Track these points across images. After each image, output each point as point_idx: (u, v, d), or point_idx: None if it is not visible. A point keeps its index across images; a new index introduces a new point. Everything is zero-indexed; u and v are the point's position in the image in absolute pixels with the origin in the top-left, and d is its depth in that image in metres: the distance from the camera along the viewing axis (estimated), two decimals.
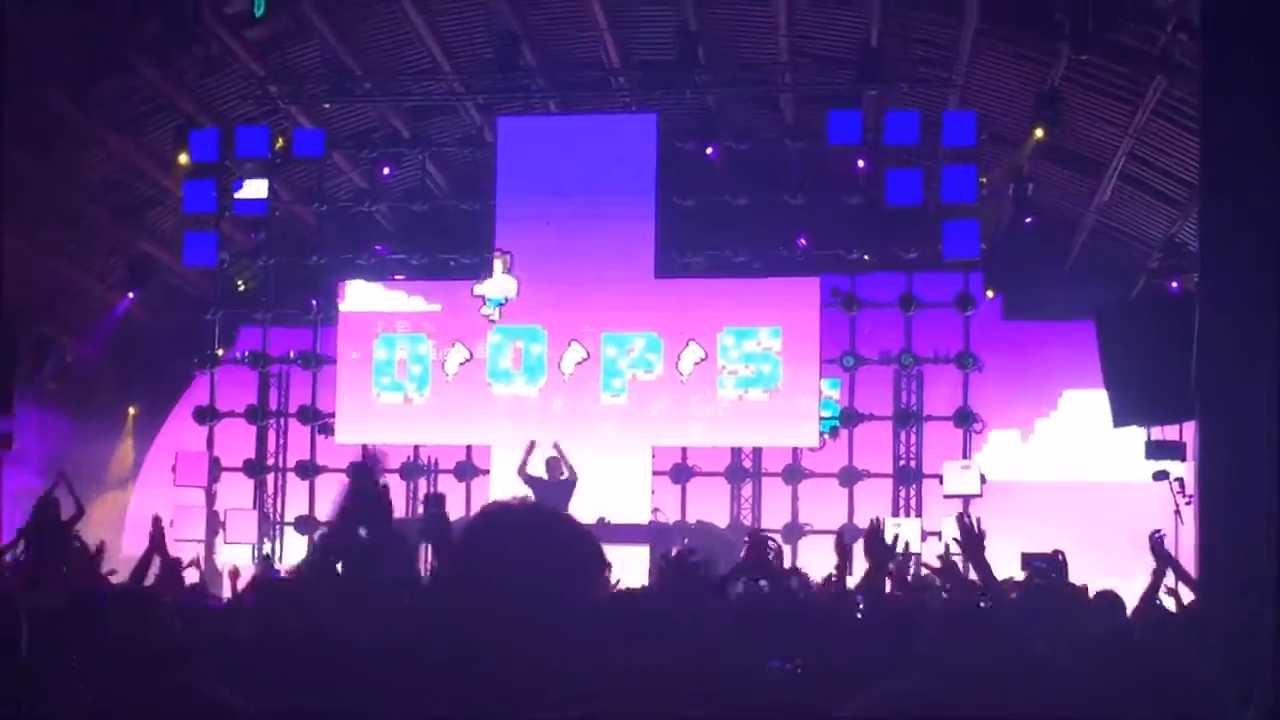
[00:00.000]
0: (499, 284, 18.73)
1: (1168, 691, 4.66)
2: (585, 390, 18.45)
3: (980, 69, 17.65)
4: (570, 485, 16.38)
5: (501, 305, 18.77)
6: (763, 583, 8.35)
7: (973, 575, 7.99)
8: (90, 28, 16.48)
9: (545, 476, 16.20)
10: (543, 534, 2.57)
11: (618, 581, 9.95)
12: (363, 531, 6.33)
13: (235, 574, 13.47)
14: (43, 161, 17.66)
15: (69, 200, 18.48)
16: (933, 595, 9.44)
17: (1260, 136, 10.30)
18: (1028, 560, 10.18)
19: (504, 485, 17.30)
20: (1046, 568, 8.93)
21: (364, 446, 13.13)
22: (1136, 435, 15.72)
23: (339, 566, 6.64)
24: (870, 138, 17.68)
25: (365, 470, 8.74)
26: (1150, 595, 8.00)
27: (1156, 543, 8.63)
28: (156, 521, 9.90)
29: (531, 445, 16.83)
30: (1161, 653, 5.30)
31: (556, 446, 16.58)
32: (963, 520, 8.43)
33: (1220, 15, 11.16)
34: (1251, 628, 5.59)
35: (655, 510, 18.01)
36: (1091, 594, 7.59)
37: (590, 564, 2.58)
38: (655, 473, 18.34)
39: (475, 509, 14.76)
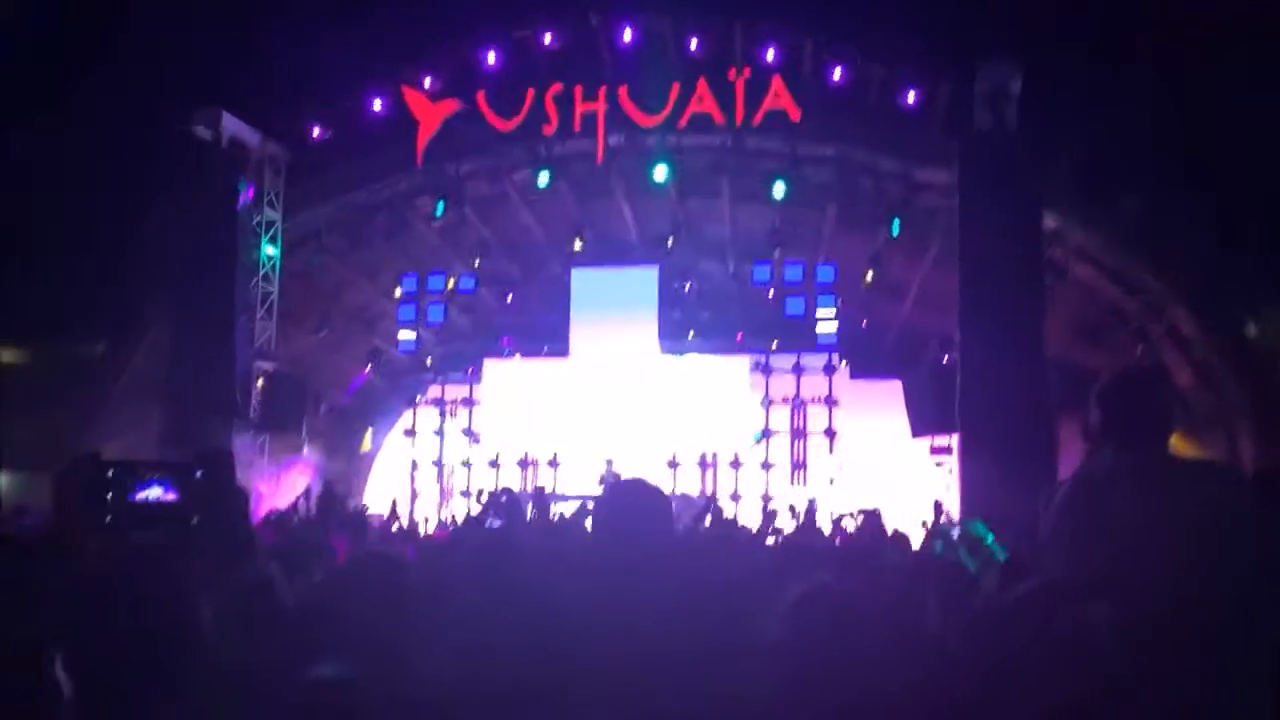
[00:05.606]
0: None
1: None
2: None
3: (837, 240, 18.87)
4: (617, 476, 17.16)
5: None
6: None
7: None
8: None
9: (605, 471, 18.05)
10: (642, 494, 2.89)
11: None
12: (496, 522, 7.02)
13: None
14: (324, 296, 19.88)
15: (335, 315, 20.20)
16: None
17: (990, 277, 14.88)
18: (861, 511, 9.89)
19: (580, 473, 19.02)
20: (873, 516, 8.98)
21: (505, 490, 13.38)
22: (924, 441, 17.69)
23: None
24: (776, 279, 19.29)
25: (496, 499, 8.91)
26: (932, 531, 9.07)
27: (936, 505, 10.63)
28: (394, 503, 12.36)
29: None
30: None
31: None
32: (809, 504, 12.14)
33: (965, 214, 14.28)
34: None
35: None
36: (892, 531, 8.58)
37: (663, 508, 2.90)
38: (658, 463, 19.77)
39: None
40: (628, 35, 16.29)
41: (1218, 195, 12.55)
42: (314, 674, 2.41)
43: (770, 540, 9.30)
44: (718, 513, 12.12)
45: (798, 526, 11.31)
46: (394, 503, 12.28)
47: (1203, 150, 12.43)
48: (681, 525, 11.56)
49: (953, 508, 13.58)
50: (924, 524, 11.47)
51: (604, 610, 2.46)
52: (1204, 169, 12.55)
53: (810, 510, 13.14)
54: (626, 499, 2.91)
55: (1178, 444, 3.08)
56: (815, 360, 20.40)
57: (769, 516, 11.94)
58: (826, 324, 19.57)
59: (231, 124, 16.18)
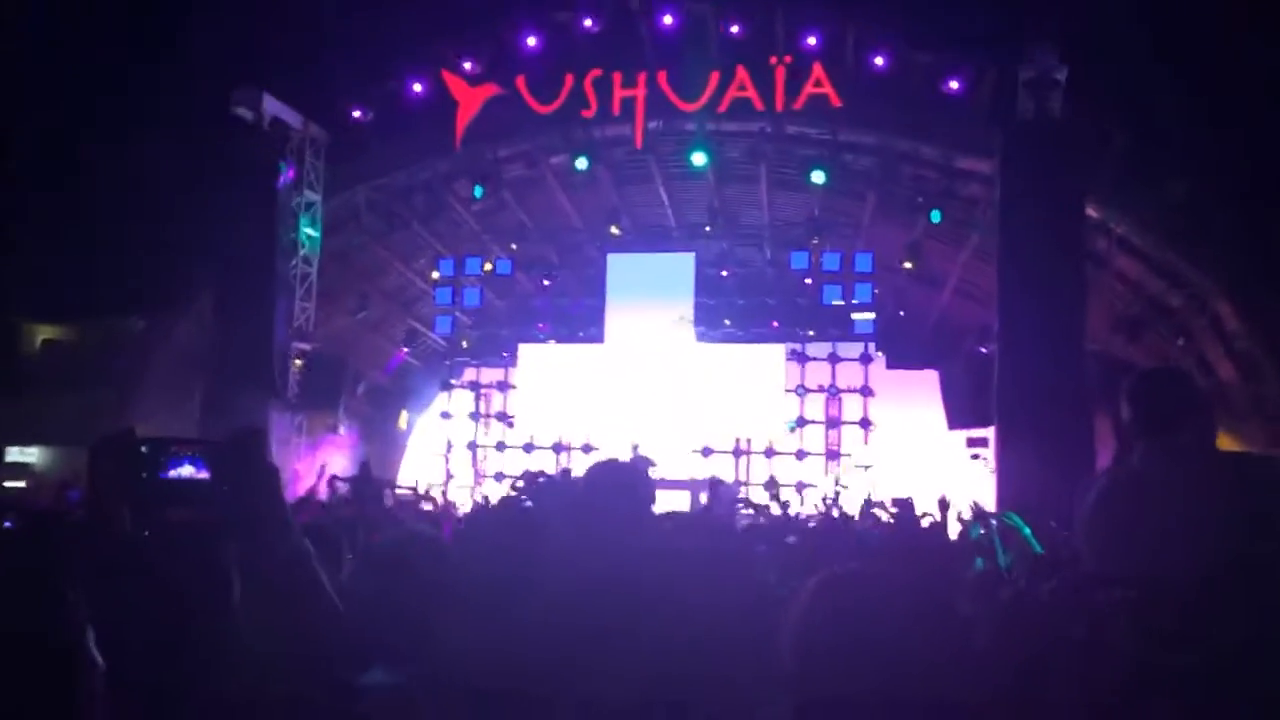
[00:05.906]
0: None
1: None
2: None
3: (875, 229, 18.75)
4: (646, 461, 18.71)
5: None
6: (749, 509, 10.28)
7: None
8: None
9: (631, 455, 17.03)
10: (625, 475, 3.00)
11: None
12: (528, 502, 6.85)
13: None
14: (362, 278, 20.00)
15: (373, 297, 20.31)
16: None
17: (1031, 268, 14.80)
18: (894, 501, 9.47)
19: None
20: (905, 505, 8.95)
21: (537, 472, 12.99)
22: (960, 434, 17.35)
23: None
24: (813, 266, 19.23)
25: (533, 480, 8.86)
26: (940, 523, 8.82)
27: (941, 501, 9.39)
28: (417, 487, 12.24)
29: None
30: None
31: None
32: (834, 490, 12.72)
33: (1006, 204, 14.25)
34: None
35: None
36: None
37: (647, 490, 2.99)
38: (692, 450, 19.38)
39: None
40: (668, 20, 16.21)
41: (1265, 187, 12.37)
42: (362, 682, 2.38)
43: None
44: (776, 497, 11.94)
45: (824, 513, 11.20)
46: (417, 483, 12.33)
47: (1250, 142, 12.24)
48: (711, 509, 12.00)
49: (989, 502, 13.17)
50: (958, 516, 11.69)
51: (588, 587, 2.50)
52: (1251, 161, 12.38)
53: (834, 498, 13.24)
54: (604, 479, 2.96)
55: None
56: (851, 350, 19.98)
57: (784, 505, 12.08)
58: (863, 313, 19.49)
59: (272, 105, 16.26)
